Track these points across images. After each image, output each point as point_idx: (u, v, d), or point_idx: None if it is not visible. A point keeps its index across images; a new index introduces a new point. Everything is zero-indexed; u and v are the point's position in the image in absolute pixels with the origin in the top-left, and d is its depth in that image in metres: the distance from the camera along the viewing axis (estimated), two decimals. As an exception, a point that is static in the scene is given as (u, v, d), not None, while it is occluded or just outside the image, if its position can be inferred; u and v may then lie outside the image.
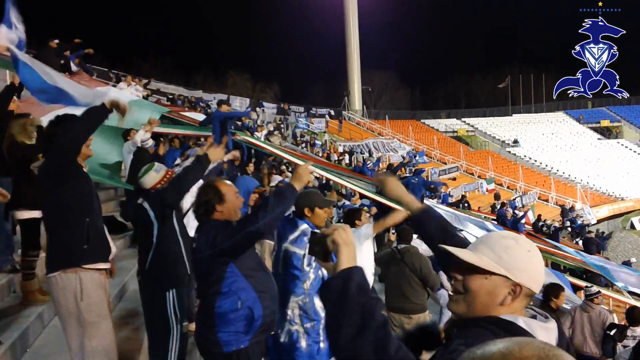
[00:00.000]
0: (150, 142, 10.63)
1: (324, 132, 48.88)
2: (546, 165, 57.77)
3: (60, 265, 4.42)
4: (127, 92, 18.06)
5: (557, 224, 32.13)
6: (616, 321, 10.26)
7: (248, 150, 15.08)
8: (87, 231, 4.48)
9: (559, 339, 1.91)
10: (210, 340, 4.07)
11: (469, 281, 1.95)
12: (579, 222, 36.53)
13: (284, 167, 18.97)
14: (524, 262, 1.93)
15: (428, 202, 15.47)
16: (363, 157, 37.77)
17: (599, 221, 43.04)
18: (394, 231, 8.51)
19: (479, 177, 48.36)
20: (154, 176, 5.26)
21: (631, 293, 14.23)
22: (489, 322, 1.87)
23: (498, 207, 28.89)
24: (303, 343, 4.97)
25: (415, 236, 8.58)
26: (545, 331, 1.86)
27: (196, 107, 30.45)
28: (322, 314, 4.98)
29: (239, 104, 48.97)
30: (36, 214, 6.45)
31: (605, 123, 69.31)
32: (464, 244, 2.58)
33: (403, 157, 35.59)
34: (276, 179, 14.61)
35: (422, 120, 66.35)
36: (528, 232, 23.66)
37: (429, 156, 50.19)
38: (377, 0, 71.34)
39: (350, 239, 2.07)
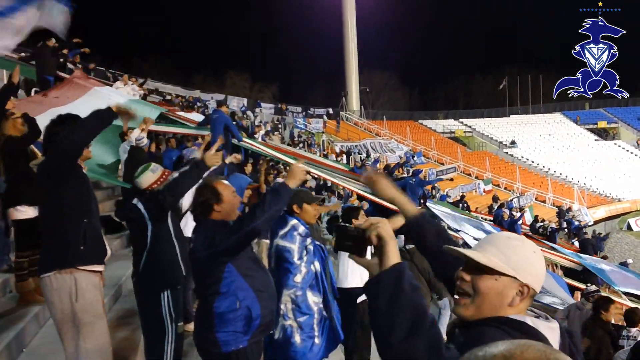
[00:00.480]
0: (145, 141, 10.62)
1: (322, 133, 48.90)
2: (543, 166, 57.81)
3: (55, 265, 4.39)
4: (123, 91, 18.04)
5: (553, 225, 32.15)
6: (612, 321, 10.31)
7: (245, 150, 15.08)
8: (84, 232, 4.46)
9: (562, 339, 1.91)
10: (209, 340, 4.07)
11: (478, 282, 1.94)
12: (576, 223, 36.58)
13: (281, 167, 18.98)
14: (530, 263, 1.94)
15: (429, 203, 15.49)
16: (361, 157, 37.75)
17: (596, 222, 43.10)
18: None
19: (477, 178, 48.38)
20: (150, 176, 5.26)
21: (627, 294, 14.27)
22: (500, 322, 1.86)
23: (495, 208, 28.90)
24: (297, 338, 4.97)
25: None
26: (550, 330, 1.87)
27: (194, 107, 30.37)
28: (315, 309, 5.04)
29: (236, 104, 48.96)
30: (31, 213, 6.43)
31: (602, 124, 69.34)
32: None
33: (400, 158, 35.58)
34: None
35: (419, 121, 66.32)
36: (525, 233, 23.69)
37: (426, 157, 50.23)
38: (376, 0, 71.38)
39: (392, 232, 2.00)
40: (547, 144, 63.29)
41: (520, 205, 37.79)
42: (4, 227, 6.82)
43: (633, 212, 47.89)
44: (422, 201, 15.68)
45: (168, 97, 35.37)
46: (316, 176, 18.44)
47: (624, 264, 22.00)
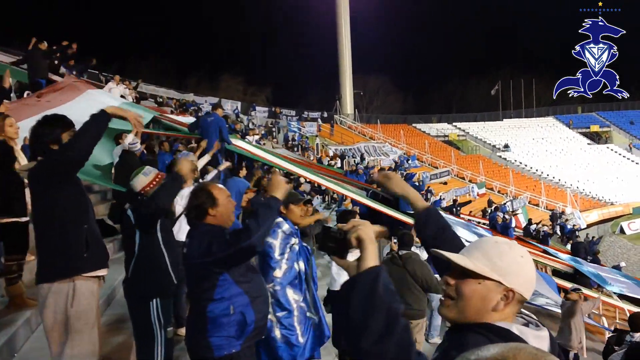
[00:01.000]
0: (138, 146, 10.61)
1: (316, 136, 48.93)
2: (536, 170, 57.99)
3: (58, 275, 4.31)
4: (115, 91, 17.98)
5: (546, 229, 32.19)
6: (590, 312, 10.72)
7: (239, 155, 15.02)
8: (86, 238, 4.39)
9: (551, 348, 1.90)
10: (201, 344, 4.03)
11: (462, 286, 1.93)
12: (569, 226, 36.64)
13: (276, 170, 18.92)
14: (517, 268, 1.91)
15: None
16: (355, 160, 37.76)
17: (588, 225, 43.25)
18: (395, 240, 8.52)
19: (470, 181, 48.48)
20: (143, 179, 5.25)
21: (620, 297, 14.29)
22: (484, 328, 1.85)
23: (489, 212, 28.94)
24: (277, 333, 4.99)
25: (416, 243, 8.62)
26: (538, 339, 1.84)
27: (187, 110, 30.33)
28: (295, 306, 5.06)
29: (230, 107, 48.94)
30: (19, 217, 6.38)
31: (594, 128, 69.67)
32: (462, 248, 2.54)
33: (395, 161, 35.64)
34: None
35: (413, 125, 66.51)
36: (518, 237, 23.72)
37: (420, 160, 50.33)
38: (370, 4, 71.53)
39: (373, 236, 1.98)
40: (540, 147, 63.54)
41: (514, 208, 37.87)
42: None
43: (626, 215, 48.05)
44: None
45: (160, 100, 35.37)
46: (310, 180, 18.38)
47: (616, 267, 22.05)
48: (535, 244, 21.11)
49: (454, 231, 2.79)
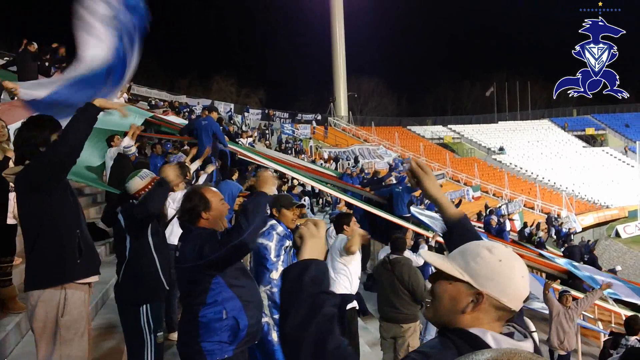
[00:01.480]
0: (133, 150, 10.56)
1: (310, 138, 48.99)
2: (532, 173, 58.17)
3: (49, 282, 4.18)
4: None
5: (542, 234, 32.20)
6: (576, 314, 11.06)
7: (231, 156, 14.96)
8: (79, 244, 4.26)
9: None
10: (193, 349, 4.01)
11: (436, 286, 1.96)
12: (565, 230, 36.69)
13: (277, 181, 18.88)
14: (490, 271, 1.86)
15: (414, 209, 15.41)
16: (349, 163, 37.73)
17: (584, 229, 43.47)
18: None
19: (465, 184, 48.59)
20: (138, 182, 5.28)
21: (616, 301, 14.29)
22: (455, 333, 1.86)
23: (484, 215, 28.92)
24: (274, 335, 5.09)
25: (408, 250, 8.60)
26: None
27: (180, 112, 30.20)
28: None
29: (223, 109, 48.91)
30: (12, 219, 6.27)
31: (590, 131, 69.96)
32: None
33: (389, 164, 35.60)
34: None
35: (408, 127, 66.72)
36: (513, 240, 23.72)
37: (414, 163, 50.29)
38: (364, 6, 71.70)
39: (316, 232, 2.07)
40: (535, 150, 63.78)
41: (509, 211, 37.85)
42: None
43: (621, 218, 48.28)
44: (409, 207, 15.58)
45: (152, 102, 35.26)
46: (302, 182, 18.38)
47: (612, 271, 22.07)
48: (531, 247, 21.12)
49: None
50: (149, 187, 5.19)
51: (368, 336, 9.84)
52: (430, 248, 13.36)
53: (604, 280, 13.37)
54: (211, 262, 3.89)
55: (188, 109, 36.07)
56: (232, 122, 38.46)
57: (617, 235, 43.94)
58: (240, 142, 18.62)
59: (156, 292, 5.18)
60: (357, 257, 7.12)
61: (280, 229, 5.34)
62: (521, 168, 59.23)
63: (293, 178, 17.96)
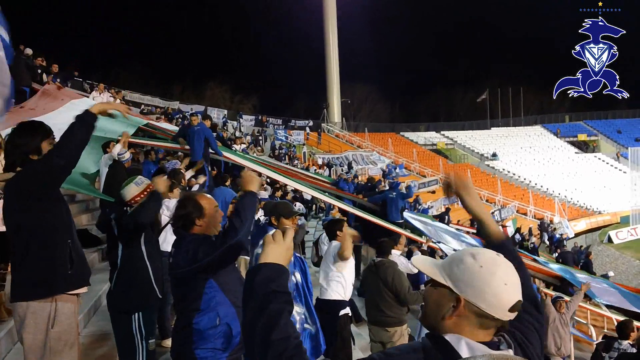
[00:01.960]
0: (127, 156, 10.54)
1: (303, 145, 48.95)
2: (524, 179, 58.18)
3: (40, 294, 4.08)
4: (100, 100, 17.85)
5: (534, 240, 32.26)
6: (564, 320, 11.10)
7: (225, 163, 14.95)
8: (70, 254, 4.17)
9: None
10: (187, 356, 3.99)
11: (426, 291, 2.03)
12: (557, 236, 36.74)
13: (262, 180, 18.84)
14: (471, 277, 1.87)
15: (407, 214, 15.44)
16: (342, 169, 37.70)
17: (576, 234, 43.51)
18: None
19: (458, 190, 48.45)
20: (134, 189, 5.27)
21: (608, 306, 14.31)
22: (429, 336, 1.92)
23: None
24: None
25: (395, 251, 8.60)
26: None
27: (172, 119, 30.14)
28: (297, 318, 5.20)
29: (216, 115, 48.84)
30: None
31: (582, 137, 70.05)
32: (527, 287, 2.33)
33: (383, 170, 35.61)
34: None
35: (401, 133, 66.68)
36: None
37: (408, 169, 50.43)
38: (358, 12, 71.85)
39: (279, 239, 2.19)
40: (527, 156, 63.81)
41: (502, 217, 37.90)
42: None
43: (614, 224, 48.33)
44: (402, 213, 15.61)
45: (145, 109, 35.19)
46: (294, 188, 18.36)
47: (604, 277, 22.09)
48: (524, 252, 21.12)
49: (525, 268, 2.54)
50: (144, 194, 5.20)
51: (361, 342, 9.83)
52: (423, 253, 13.35)
53: (598, 287, 13.41)
54: (207, 265, 3.88)
55: (181, 115, 35.98)
56: (225, 128, 38.40)
57: (610, 240, 43.97)
58: (233, 148, 18.60)
59: (148, 299, 5.17)
60: (351, 263, 7.09)
61: None
62: (514, 174, 59.25)
63: (286, 185, 17.94)
